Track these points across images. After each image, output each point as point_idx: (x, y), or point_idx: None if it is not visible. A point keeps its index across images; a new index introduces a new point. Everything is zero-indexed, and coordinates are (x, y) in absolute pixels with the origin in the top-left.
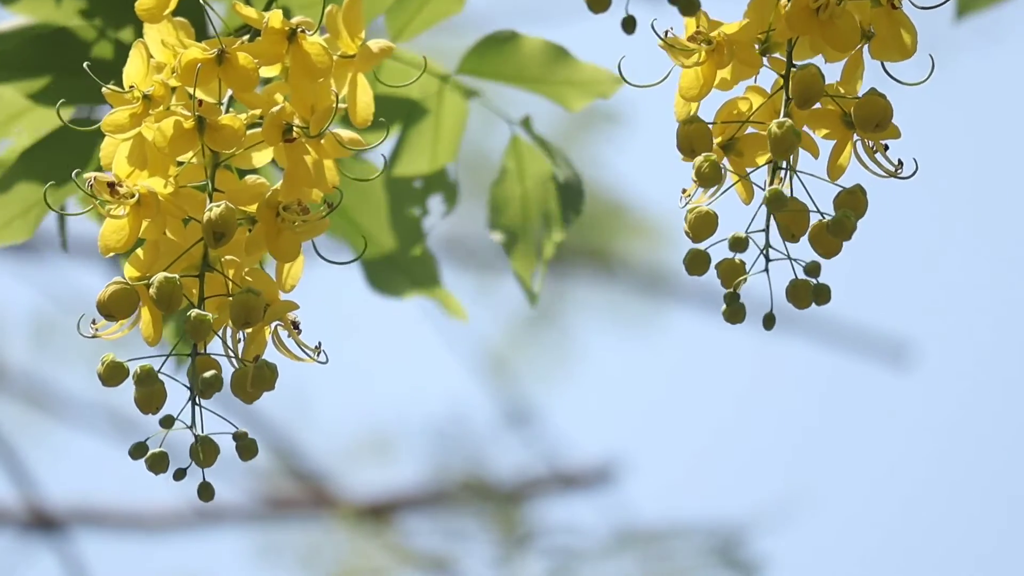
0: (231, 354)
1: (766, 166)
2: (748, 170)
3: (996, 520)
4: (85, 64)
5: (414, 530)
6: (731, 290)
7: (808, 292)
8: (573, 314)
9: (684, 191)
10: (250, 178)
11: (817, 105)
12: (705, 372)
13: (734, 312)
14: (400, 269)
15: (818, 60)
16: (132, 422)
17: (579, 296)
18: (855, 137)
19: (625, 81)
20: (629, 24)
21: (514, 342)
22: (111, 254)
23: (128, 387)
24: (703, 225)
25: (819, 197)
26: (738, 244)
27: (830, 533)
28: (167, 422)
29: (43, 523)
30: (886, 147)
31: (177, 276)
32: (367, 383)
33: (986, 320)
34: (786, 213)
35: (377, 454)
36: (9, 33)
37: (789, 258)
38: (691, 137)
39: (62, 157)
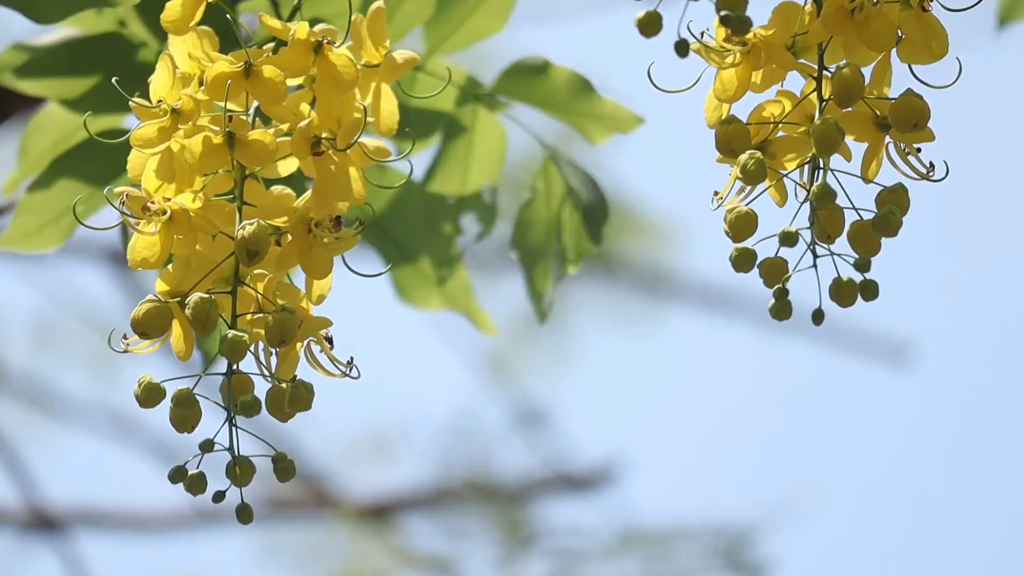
0: (264, 372)
1: (798, 170)
2: (781, 172)
3: (998, 520)
4: (114, 80)
5: (416, 531)
6: (780, 286)
7: (853, 290)
8: (574, 314)
9: (716, 193)
10: (276, 189)
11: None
12: (707, 372)
13: (781, 308)
14: (431, 282)
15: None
16: (132, 422)
17: (580, 296)
18: (887, 139)
19: (655, 87)
20: (682, 48)
21: (515, 342)
22: (141, 269)
23: (127, 389)
24: (743, 225)
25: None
26: (788, 239)
27: (833, 533)
28: (207, 446)
29: (43, 523)
30: (918, 149)
31: (213, 296)
32: (368, 383)
33: (987, 320)
34: (824, 213)
35: (378, 455)
36: (52, 45)
37: (832, 254)
38: (730, 137)
39: (95, 164)
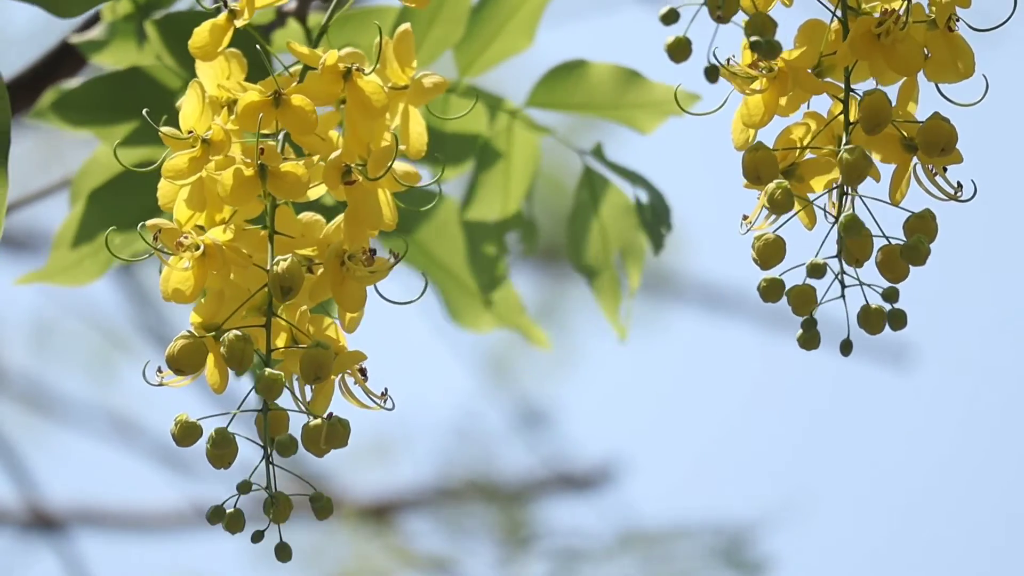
0: (300, 406)
1: (826, 191)
2: (809, 196)
3: (999, 521)
4: (144, 111)
5: (416, 531)
6: (808, 316)
7: (882, 319)
8: (574, 314)
9: (745, 217)
10: (306, 215)
11: None
12: (707, 373)
13: (810, 339)
14: (481, 303)
15: (870, 83)
16: (132, 424)
17: (580, 296)
18: (914, 160)
19: (683, 110)
20: (712, 74)
21: (515, 342)
22: (173, 302)
23: (127, 390)
24: (771, 252)
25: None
26: (816, 271)
27: (833, 534)
28: (245, 487)
29: (43, 523)
30: (945, 169)
31: (247, 334)
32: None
33: (987, 321)
34: (852, 240)
35: (379, 455)
36: (89, 81)
37: (861, 283)
38: (757, 164)
39: (131, 198)
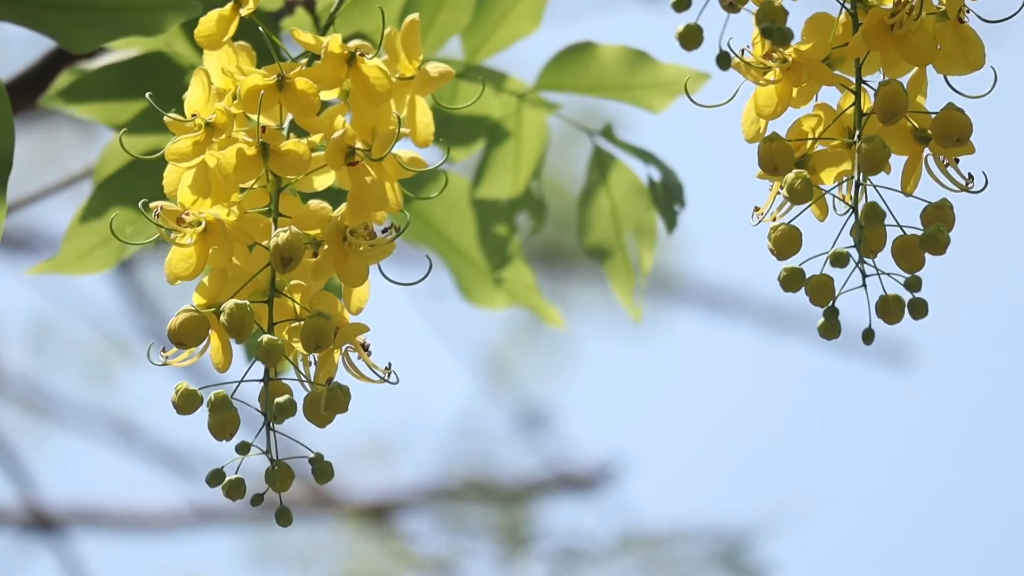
0: (303, 378)
1: (837, 183)
2: (821, 187)
3: (1000, 521)
4: (147, 95)
5: (416, 532)
6: (830, 305)
7: (900, 307)
8: (574, 315)
9: (756, 208)
10: (313, 203)
11: None
12: (707, 374)
13: (831, 328)
14: (495, 281)
15: (878, 75)
16: (131, 425)
17: (580, 297)
18: (926, 151)
19: (693, 102)
20: (723, 61)
21: (515, 343)
22: (178, 282)
23: (126, 392)
24: (788, 243)
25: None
26: (839, 260)
27: (833, 536)
28: (243, 448)
29: (43, 523)
30: (957, 160)
31: (247, 303)
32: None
33: (987, 320)
34: (868, 229)
35: (379, 456)
36: (100, 68)
37: (880, 273)
38: (773, 155)
39: (142, 185)
